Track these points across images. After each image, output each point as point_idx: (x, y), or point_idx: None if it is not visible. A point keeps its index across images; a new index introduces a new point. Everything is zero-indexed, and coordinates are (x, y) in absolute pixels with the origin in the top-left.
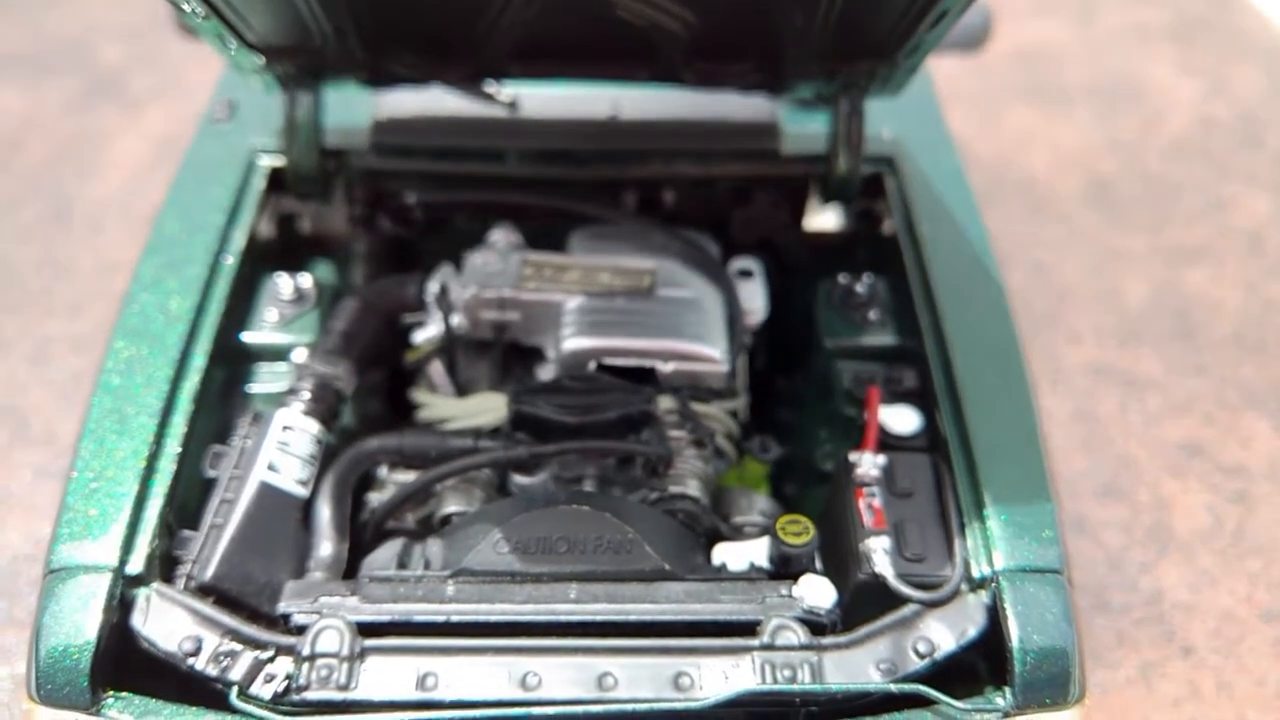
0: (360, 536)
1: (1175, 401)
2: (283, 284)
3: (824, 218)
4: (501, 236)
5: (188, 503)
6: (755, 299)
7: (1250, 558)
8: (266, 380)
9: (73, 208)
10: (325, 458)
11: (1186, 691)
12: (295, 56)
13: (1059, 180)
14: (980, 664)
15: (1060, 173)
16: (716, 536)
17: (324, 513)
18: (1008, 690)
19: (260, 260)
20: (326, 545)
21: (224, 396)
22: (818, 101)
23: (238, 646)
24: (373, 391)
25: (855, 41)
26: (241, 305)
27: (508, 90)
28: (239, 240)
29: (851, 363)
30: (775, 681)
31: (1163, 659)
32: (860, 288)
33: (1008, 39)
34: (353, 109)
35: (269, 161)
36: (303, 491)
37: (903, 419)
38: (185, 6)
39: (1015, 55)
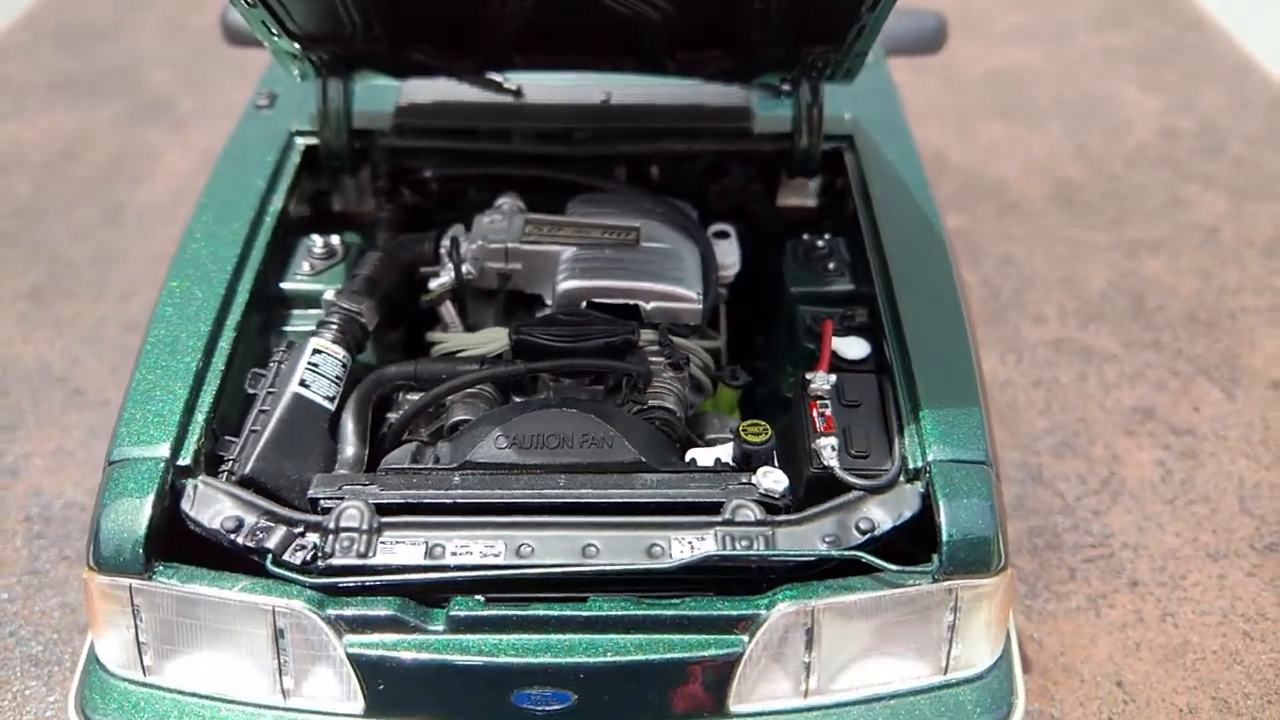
0: (380, 446)
1: (1130, 371)
2: (316, 241)
3: (799, 196)
4: (507, 201)
5: (230, 416)
6: (730, 255)
7: (1197, 505)
8: (299, 324)
9: (124, 210)
10: (350, 382)
11: (1132, 619)
12: (328, 44)
13: (1029, 184)
14: (915, 547)
15: (1030, 177)
16: (689, 444)
17: (348, 423)
18: (936, 558)
19: (295, 230)
20: (349, 449)
21: (261, 334)
22: (782, 91)
23: (272, 524)
24: (392, 347)
25: (808, 28)
26: (279, 259)
27: (513, 79)
28: (276, 203)
29: (812, 306)
30: (733, 549)
31: (1111, 590)
32: (821, 244)
33: (986, 62)
34: (379, 97)
35: (304, 141)
36: (330, 405)
37: (853, 347)
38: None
39: (992, 76)
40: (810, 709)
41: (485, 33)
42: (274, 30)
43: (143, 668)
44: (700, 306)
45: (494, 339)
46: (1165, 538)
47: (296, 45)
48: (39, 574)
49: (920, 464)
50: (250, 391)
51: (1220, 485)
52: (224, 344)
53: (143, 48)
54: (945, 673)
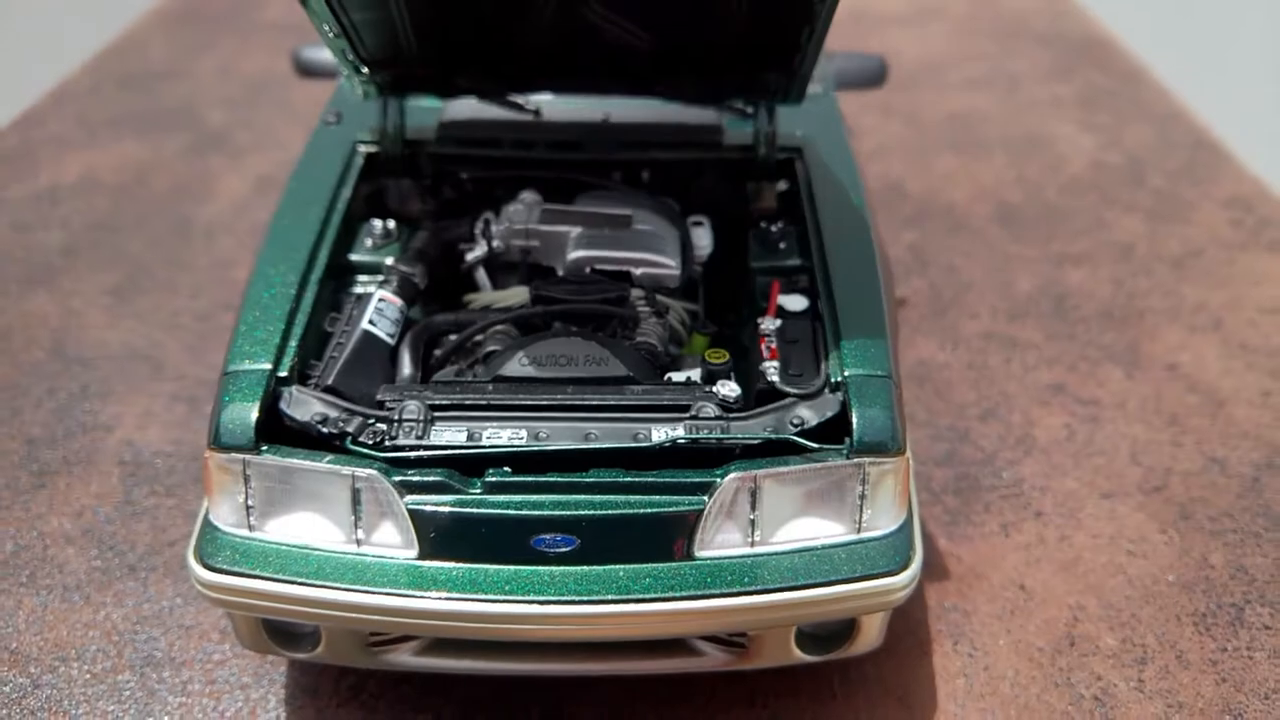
0: (429, 373)
1: (1048, 357)
2: (376, 225)
3: (760, 194)
4: (528, 195)
5: (311, 349)
6: (704, 239)
7: (1095, 457)
8: (363, 287)
9: (190, 225)
10: (405, 327)
11: (1035, 540)
12: (389, 68)
13: (974, 207)
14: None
15: (975, 201)
16: (668, 370)
17: (404, 354)
18: (848, 442)
19: (358, 217)
20: (405, 371)
21: (335, 293)
22: (745, 112)
23: (349, 416)
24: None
25: (762, 57)
26: (346, 238)
27: (532, 101)
28: (345, 195)
29: (767, 276)
30: (697, 435)
31: (1018, 520)
32: (775, 230)
33: (943, 107)
34: (425, 115)
35: (365, 149)
36: (390, 340)
37: (795, 302)
38: (325, 27)
39: (948, 119)
40: (755, 555)
41: (511, 61)
42: (350, 56)
43: (249, 525)
44: (678, 272)
45: (517, 295)
46: (1067, 482)
47: (365, 70)
48: (133, 503)
49: (839, 379)
50: (328, 330)
51: (1116, 443)
52: (309, 295)
53: (199, 90)
54: (859, 532)
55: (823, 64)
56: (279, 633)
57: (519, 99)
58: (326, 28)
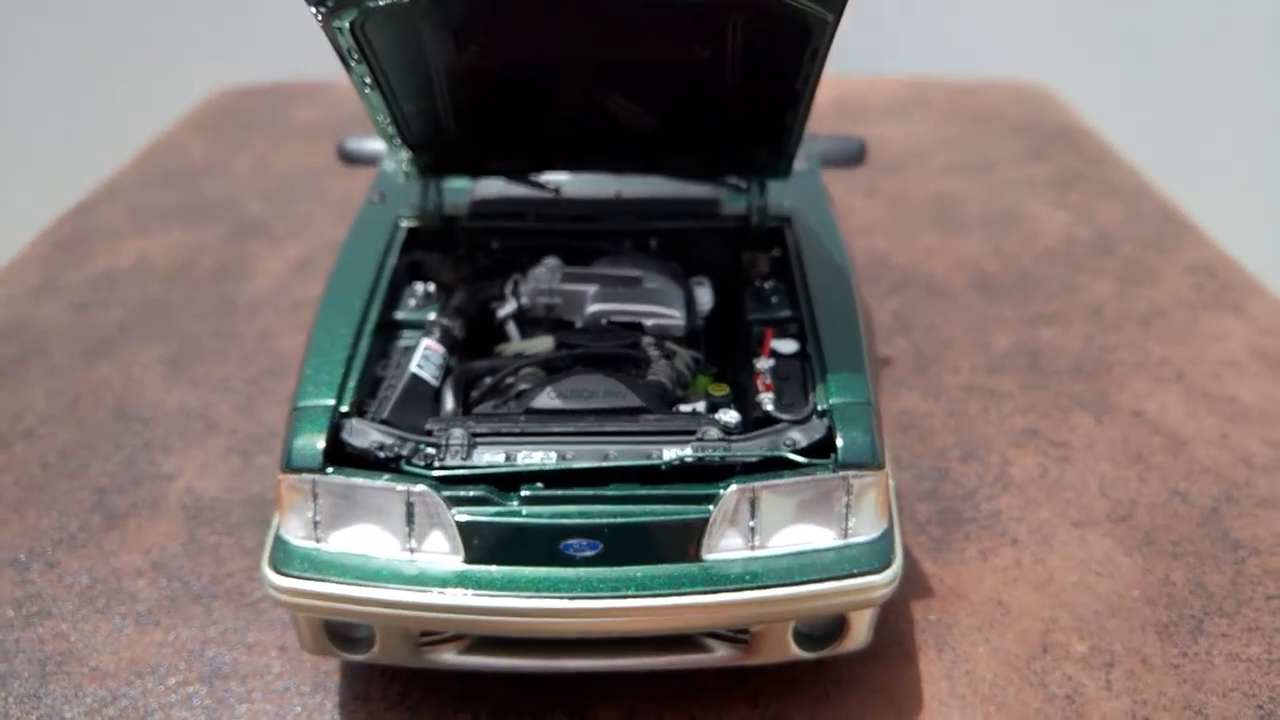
0: (469, 409)
1: (1023, 405)
2: (418, 287)
3: (755, 258)
4: (551, 260)
5: (366, 390)
6: (705, 296)
7: (1066, 492)
8: (408, 340)
9: (234, 302)
10: (447, 372)
11: (1011, 564)
12: (431, 151)
13: (953, 276)
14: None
15: (955, 271)
16: (675, 404)
17: (447, 394)
18: (833, 458)
19: (401, 282)
20: (448, 408)
21: (384, 344)
22: (740, 187)
23: (404, 443)
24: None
25: (752, 139)
26: (392, 298)
27: (554, 180)
28: (390, 263)
29: (762, 325)
30: (702, 453)
31: (996, 546)
32: (768, 287)
33: (925, 189)
34: (459, 194)
35: (407, 224)
36: (435, 383)
37: (786, 345)
38: (379, 117)
39: (930, 200)
40: (755, 557)
41: (537, 145)
42: (397, 142)
43: (316, 538)
44: (683, 323)
45: (544, 343)
46: (1041, 513)
47: (410, 153)
48: (197, 542)
49: (825, 406)
50: (379, 374)
51: (1085, 479)
52: (363, 344)
53: (238, 184)
54: (845, 537)
55: (808, 144)
56: (338, 636)
57: (541, 179)
58: (381, 118)
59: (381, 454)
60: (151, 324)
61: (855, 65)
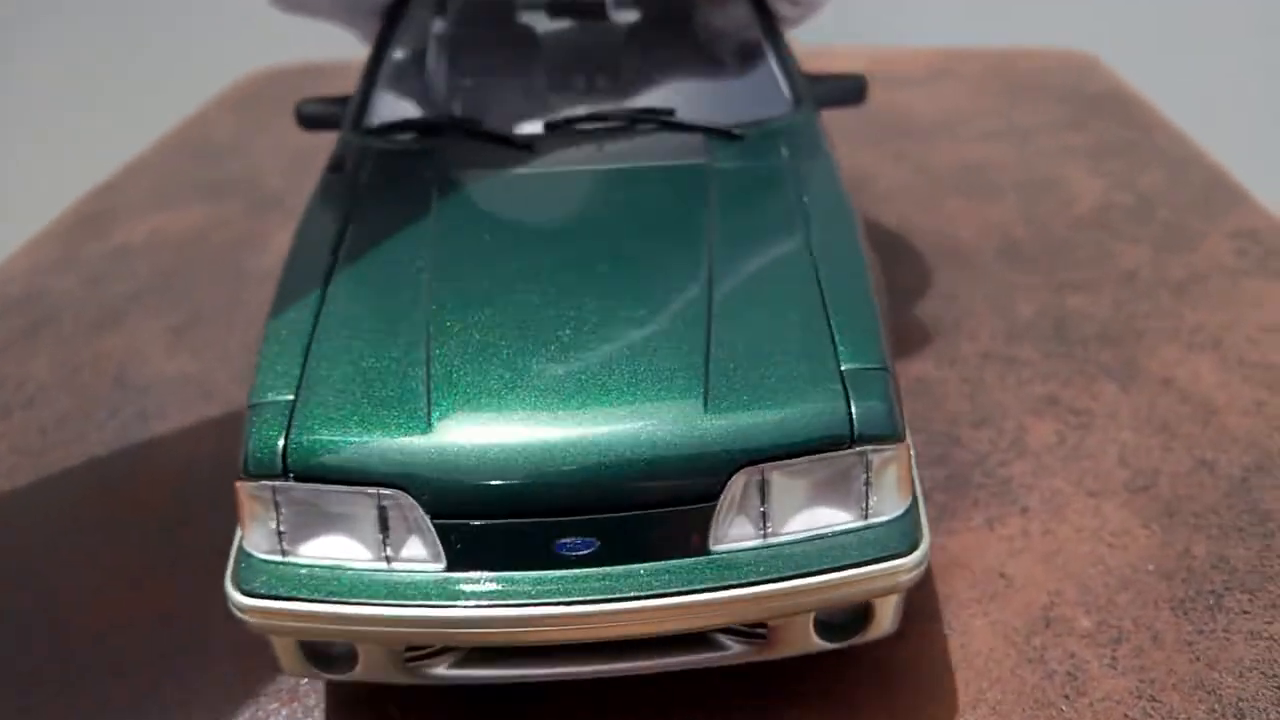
0: None
1: (1044, 373)
2: None
3: None
4: None
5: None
6: None
7: (1084, 460)
8: None
9: (245, 273)
10: None
11: (1019, 533)
12: None
13: (979, 242)
14: None
15: (981, 237)
16: None
17: None
18: (850, 430)
19: None
20: None
21: None
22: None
23: None
24: None
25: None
26: None
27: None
28: None
29: None
30: None
31: (1004, 515)
32: None
33: (956, 157)
34: None
35: None
36: None
37: None
38: None
39: (960, 167)
40: (768, 546)
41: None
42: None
43: (282, 550)
44: None
45: None
46: (1054, 481)
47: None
48: (187, 506)
49: (841, 370)
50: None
51: (1105, 448)
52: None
53: (258, 162)
54: (866, 519)
55: (805, 86)
56: (317, 655)
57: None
58: None
59: None
60: (162, 295)
61: (897, 38)
